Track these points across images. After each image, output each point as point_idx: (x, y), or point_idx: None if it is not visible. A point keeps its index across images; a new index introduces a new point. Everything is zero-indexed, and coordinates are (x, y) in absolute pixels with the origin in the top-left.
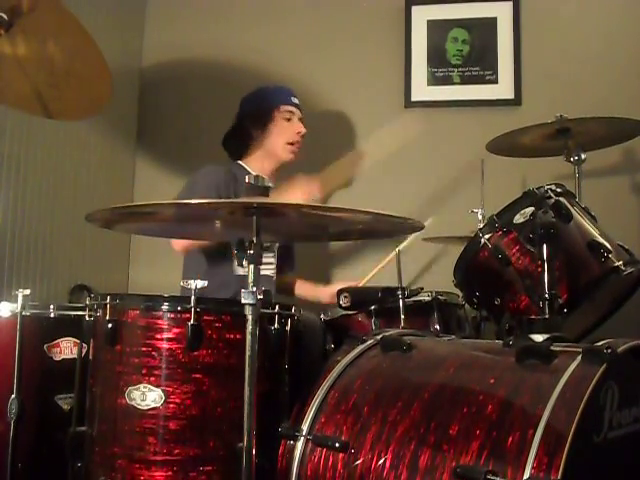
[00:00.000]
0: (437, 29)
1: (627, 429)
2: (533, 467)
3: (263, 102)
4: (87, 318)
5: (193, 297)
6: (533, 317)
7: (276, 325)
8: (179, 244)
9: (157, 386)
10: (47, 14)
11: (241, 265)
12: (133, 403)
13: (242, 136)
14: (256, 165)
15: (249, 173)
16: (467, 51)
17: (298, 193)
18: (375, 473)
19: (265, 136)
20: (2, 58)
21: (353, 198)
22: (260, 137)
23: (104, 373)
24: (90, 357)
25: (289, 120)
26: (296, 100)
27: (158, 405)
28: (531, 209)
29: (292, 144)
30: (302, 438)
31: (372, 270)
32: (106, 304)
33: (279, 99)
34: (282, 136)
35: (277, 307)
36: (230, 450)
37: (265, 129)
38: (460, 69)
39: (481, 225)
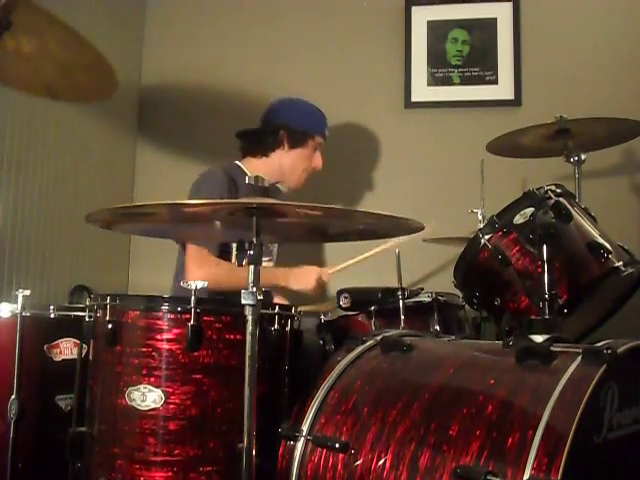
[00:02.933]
0: (437, 30)
1: (627, 430)
2: (533, 468)
3: (307, 123)
4: (87, 319)
5: (193, 298)
6: (533, 317)
7: (276, 326)
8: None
9: (157, 387)
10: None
11: (240, 265)
12: (133, 404)
13: (269, 145)
14: (258, 172)
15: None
16: (467, 52)
17: (312, 277)
18: (375, 474)
19: (289, 154)
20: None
21: (353, 199)
22: (284, 152)
23: (104, 374)
24: (90, 358)
25: (315, 151)
26: (327, 133)
27: (158, 406)
28: (531, 210)
29: (305, 173)
30: (302, 439)
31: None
32: (106, 305)
33: (320, 128)
34: (304, 163)
35: (277, 308)
36: (230, 451)
37: (294, 148)
38: (460, 70)
39: (481, 225)
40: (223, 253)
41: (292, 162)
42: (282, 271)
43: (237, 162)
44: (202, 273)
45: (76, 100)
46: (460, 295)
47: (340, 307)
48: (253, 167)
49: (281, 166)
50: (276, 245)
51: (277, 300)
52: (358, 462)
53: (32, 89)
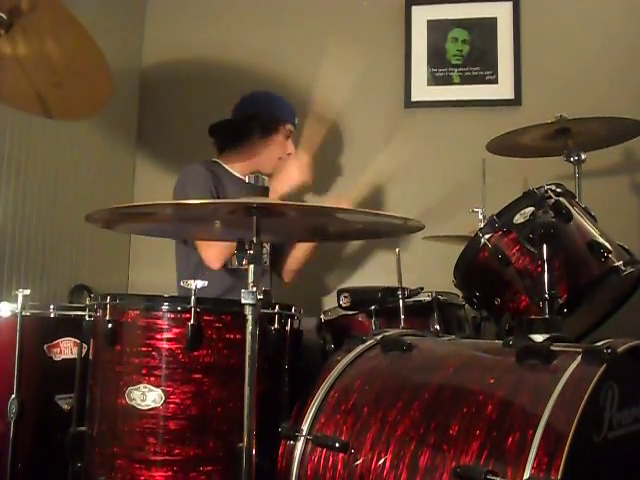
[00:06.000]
0: (437, 29)
1: (627, 429)
2: (533, 467)
3: (276, 112)
4: (87, 318)
5: (193, 297)
6: (533, 317)
7: (276, 325)
8: (213, 258)
9: (157, 386)
10: (46, 13)
11: (240, 264)
12: (133, 403)
13: (242, 135)
14: (236, 166)
15: (229, 173)
16: (467, 51)
17: (294, 174)
18: (375, 473)
19: (262, 144)
20: (2, 59)
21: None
22: (257, 143)
23: (104, 373)
24: (90, 357)
25: (287, 138)
26: (297, 121)
27: (158, 405)
28: (531, 209)
29: (280, 161)
30: (302, 438)
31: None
32: (106, 304)
33: (289, 116)
34: (278, 151)
35: (277, 307)
36: (230, 450)
37: (267, 138)
38: (460, 69)
39: (482, 225)
40: None
41: (266, 150)
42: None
43: (215, 159)
44: (215, 250)
45: (66, 116)
46: (460, 294)
47: (340, 306)
48: (231, 161)
49: (257, 155)
50: (268, 244)
51: None
52: (358, 462)
53: (24, 99)
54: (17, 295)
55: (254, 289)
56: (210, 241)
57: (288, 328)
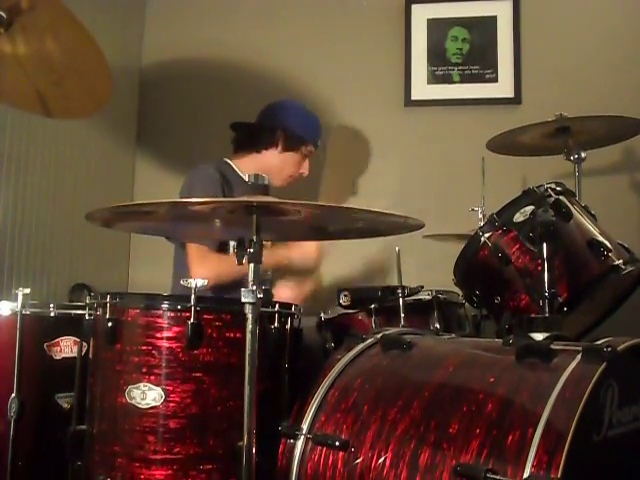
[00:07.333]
0: (437, 28)
1: (627, 428)
2: (533, 465)
3: (301, 131)
4: (87, 317)
5: (193, 296)
6: (533, 316)
7: (276, 324)
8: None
9: (157, 385)
10: (45, 12)
11: (241, 264)
12: (133, 402)
13: (262, 143)
14: (246, 170)
15: (237, 175)
16: (467, 50)
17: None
18: (375, 472)
19: (280, 156)
20: (2, 57)
21: (353, 197)
22: (276, 152)
23: (104, 372)
24: (90, 356)
25: (305, 158)
26: (319, 143)
27: (158, 404)
28: (531, 208)
29: (291, 178)
30: (302, 437)
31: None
32: (106, 303)
33: (313, 138)
34: (292, 168)
35: (277, 306)
36: (230, 449)
37: (287, 151)
38: (460, 68)
39: (481, 223)
40: (222, 250)
41: (281, 164)
42: (282, 250)
43: (226, 160)
44: (206, 270)
45: (66, 115)
46: (460, 293)
47: (340, 305)
48: (243, 164)
49: (270, 166)
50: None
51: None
52: (358, 460)
53: (24, 98)
54: (17, 294)
55: (254, 288)
56: (204, 257)
57: (288, 327)
